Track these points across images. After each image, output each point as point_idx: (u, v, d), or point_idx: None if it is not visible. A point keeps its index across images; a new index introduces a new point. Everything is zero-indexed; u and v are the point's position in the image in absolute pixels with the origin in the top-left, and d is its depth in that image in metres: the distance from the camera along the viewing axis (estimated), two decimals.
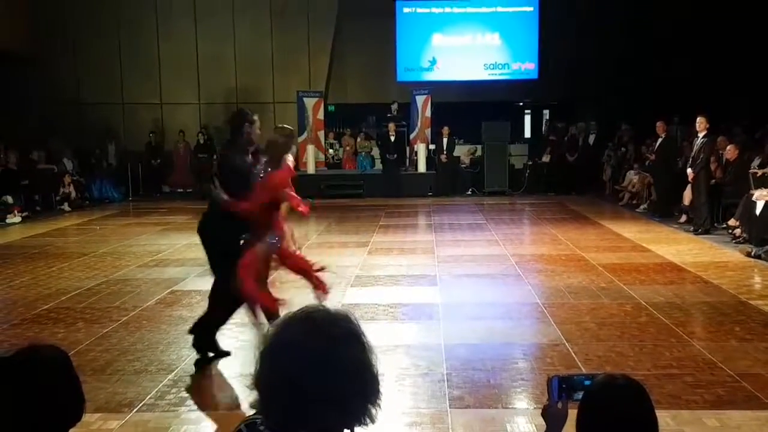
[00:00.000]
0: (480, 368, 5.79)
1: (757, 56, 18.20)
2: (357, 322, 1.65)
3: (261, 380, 1.60)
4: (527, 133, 23.35)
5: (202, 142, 20.17)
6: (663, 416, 4.55)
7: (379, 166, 20.36)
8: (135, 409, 5.06)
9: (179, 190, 20.65)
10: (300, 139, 20.24)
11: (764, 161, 12.71)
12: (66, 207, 17.25)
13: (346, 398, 1.57)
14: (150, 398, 5.26)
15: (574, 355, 6.02)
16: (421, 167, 19.76)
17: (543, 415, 2.14)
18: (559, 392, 2.13)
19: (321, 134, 20.73)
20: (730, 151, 13.00)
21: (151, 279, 9.31)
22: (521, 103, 23.82)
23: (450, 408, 4.98)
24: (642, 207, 15.52)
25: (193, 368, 5.92)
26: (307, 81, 21.58)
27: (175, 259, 10.64)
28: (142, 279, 9.33)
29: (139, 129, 21.32)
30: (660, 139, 14.41)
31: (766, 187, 11.34)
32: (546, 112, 23.30)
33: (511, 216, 15.62)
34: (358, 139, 21.34)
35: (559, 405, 2.10)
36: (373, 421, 1.61)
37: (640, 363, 5.81)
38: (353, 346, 1.60)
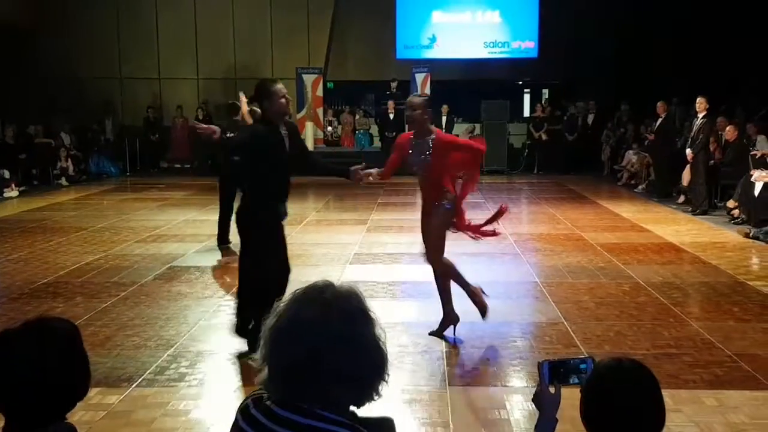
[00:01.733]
0: (479, 347, 5.80)
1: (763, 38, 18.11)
2: (364, 297, 1.65)
3: (274, 358, 1.58)
4: (526, 112, 23.29)
5: (201, 117, 20.03)
6: None
7: (377, 143, 20.30)
8: (134, 384, 5.07)
9: (177, 166, 20.62)
10: (298, 116, 20.18)
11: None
12: (63, 182, 17.21)
13: (365, 376, 1.56)
14: (149, 373, 5.27)
15: (572, 334, 6.03)
16: None
17: (534, 400, 2.12)
18: (551, 376, 2.11)
19: (320, 111, 20.67)
20: (729, 132, 12.98)
21: (149, 254, 9.30)
22: (520, 82, 23.73)
23: (449, 386, 4.99)
24: (640, 187, 15.52)
25: (193, 343, 5.92)
26: (307, 57, 21.47)
27: (174, 235, 10.63)
28: (140, 254, 9.32)
29: (137, 104, 21.26)
30: (660, 119, 14.37)
31: (765, 168, 11.34)
32: (545, 91, 23.23)
33: (509, 195, 15.60)
34: (357, 117, 21.27)
35: (552, 389, 2.09)
36: (380, 396, 1.61)
37: (638, 342, 5.82)
38: (368, 323, 1.60)
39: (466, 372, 5.28)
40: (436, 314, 6.61)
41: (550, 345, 5.81)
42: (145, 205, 13.73)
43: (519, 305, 7.01)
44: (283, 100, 5.49)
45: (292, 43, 21.41)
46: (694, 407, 4.58)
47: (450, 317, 6.06)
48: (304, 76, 20.30)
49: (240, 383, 5.07)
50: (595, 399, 1.82)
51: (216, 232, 9.38)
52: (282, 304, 1.62)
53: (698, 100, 12.20)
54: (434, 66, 20.79)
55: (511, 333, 6.20)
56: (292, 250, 9.45)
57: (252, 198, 5.65)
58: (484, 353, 5.65)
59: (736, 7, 18.23)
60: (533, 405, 2.14)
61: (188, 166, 20.44)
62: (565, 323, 6.35)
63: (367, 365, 1.57)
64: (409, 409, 4.67)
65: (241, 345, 5.66)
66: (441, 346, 5.79)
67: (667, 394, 4.68)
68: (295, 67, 20.46)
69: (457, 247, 9.60)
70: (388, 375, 1.63)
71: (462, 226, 6.12)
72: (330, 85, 22.27)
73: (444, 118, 19.58)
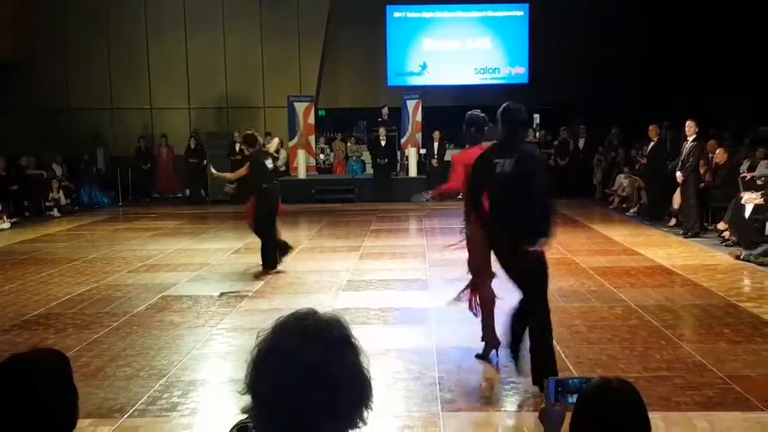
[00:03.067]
0: (472, 371, 5.80)
1: (748, 61, 18.29)
2: (347, 325, 1.64)
3: (254, 388, 1.57)
4: None
5: (193, 146, 20.12)
6: (653, 418, 4.54)
7: (369, 170, 20.38)
8: (126, 415, 5.04)
9: (170, 196, 20.66)
10: (290, 144, 20.25)
11: (753, 165, 12.78)
12: (55, 213, 17.19)
13: (342, 405, 1.55)
14: (141, 404, 5.25)
15: (565, 358, 6.04)
16: (412, 172, 19.76)
17: (540, 417, 2.14)
18: (555, 394, 2.13)
19: (312, 139, 20.72)
20: (719, 155, 13.06)
21: (141, 284, 9.29)
22: None
23: (442, 411, 4.98)
24: (632, 210, 15.57)
25: (185, 373, 5.90)
26: (298, 85, 21.58)
27: (166, 265, 10.61)
28: (132, 284, 9.30)
29: (128, 134, 21.29)
30: (652, 143, 14.45)
31: (754, 190, 11.41)
32: (536, 116, 23.36)
33: None
34: (349, 144, 21.35)
35: (557, 407, 2.11)
36: (365, 424, 1.60)
37: (630, 365, 5.83)
38: (348, 352, 1.58)
39: (459, 397, 5.26)
40: (429, 340, 6.62)
41: None
42: (137, 235, 13.72)
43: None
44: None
45: (283, 71, 21.53)
46: (685, 429, 4.58)
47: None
48: (296, 104, 20.37)
49: (232, 413, 5.06)
50: (584, 417, 1.84)
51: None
52: (264, 333, 1.61)
53: (688, 123, 12.28)
54: (425, 93, 20.91)
55: (504, 358, 6.19)
56: (284, 278, 9.48)
57: None
58: (476, 378, 5.64)
59: (726, 31, 18.43)
60: (531, 423, 2.16)
61: (180, 195, 20.47)
62: (558, 347, 6.34)
63: (348, 395, 1.56)
64: None
65: (234, 373, 5.65)
66: (434, 371, 5.78)
67: (658, 417, 4.70)
68: (287, 95, 20.56)
69: (450, 273, 9.66)
70: (372, 402, 1.62)
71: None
72: (321, 112, 22.37)
73: (436, 144, 19.68)
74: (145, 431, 4.78)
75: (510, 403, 5.26)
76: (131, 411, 5.10)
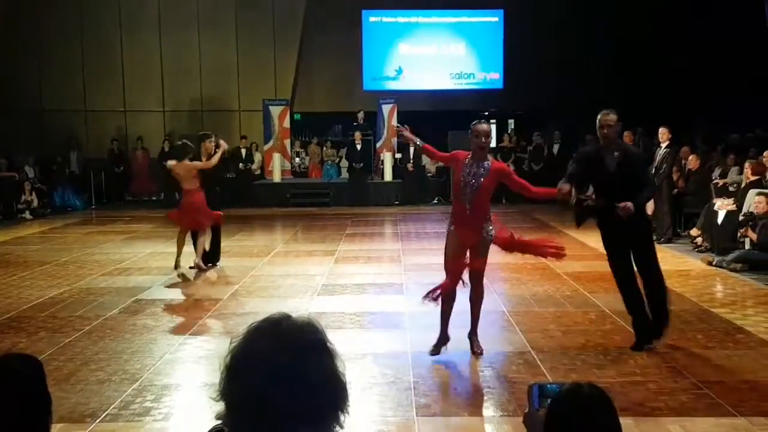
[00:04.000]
0: (447, 376, 5.81)
1: (722, 69, 18.53)
2: (322, 329, 1.62)
3: (226, 394, 1.55)
4: (493, 143, 23.44)
5: (167, 149, 19.97)
6: (627, 423, 4.59)
7: (345, 174, 20.37)
8: (98, 420, 4.99)
9: (145, 198, 20.49)
10: (266, 148, 20.19)
11: (724, 171, 12.93)
12: (27, 215, 16.97)
13: (318, 410, 1.53)
14: (114, 408, 5.19)
15: (539, 363, 6.06)
16: (388, 176, 19.78)
17: (524, 422, 2.13)
18: (539, 399, 2.13)
19: (287, 143, 20.68)
20: (692, 162, 13.19)
21: (114, 288, 9.20)
22: (487, 113, 23.96)
23: (417, 416, 4.98)
24: None
25: (158, 377, 5.85)
26: (273, 89, 21.52)
27: (139, 268, 10.53)
28: (105, 288, 9.21)
29: (102, 137, 21.11)
30: None
31: (727, 197, 11.53)
32: (511, 122, 23.49)
33: None
34: (325, 148, 21.33)
35: (540, 412, 2.11)
36: (342, 428, 1.59)
37: (604, 370, 5.86)
38: (322, 356, 1.56)
39: (434, 402, 5.26)
40: (404, 344, 6.62)
41: (517, 374, 5.83)
42: (110, 238, 13.59)
43: (486, 335, 6.98)
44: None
45: (258, 74, 21.47)
46: None
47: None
48: (271, 108, 20.32)
49: (206, 417, 5.01)
50: (555, 424, 1.84)
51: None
52: (238, 338, 1.59)
53: (661, 130, 12.38)
54: (401, 97, 20.93)
55: (478, 362, 6.21)
56: (259, 282, 9.45)
57: None
58: (451, 383, 5.64)
59: (695, 39, 18.66)
60: (509, 428, 2.15)
61: (155, 198, 20.32)
62: (532, 352, 6.38)
63: (324, 399, 1.55)
64: None
65: (207, 377, 5.61)
66: (410, 376, 5.78)
67: (632, 422, 4.72)
68: (262, 98, 20.50)
69: (425, 278, 9.67)
70: (348, 407, 1.60)
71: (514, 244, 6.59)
72: (297, 116, 22.32)
73: (411, 149, 19.69)
74: None
75: (485, 408, 5.27)
76: (103, 416, 5.05)
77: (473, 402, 5.33)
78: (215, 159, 10.22)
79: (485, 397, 5.42)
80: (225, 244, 11.30)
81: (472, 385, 5.63)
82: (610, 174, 6.34)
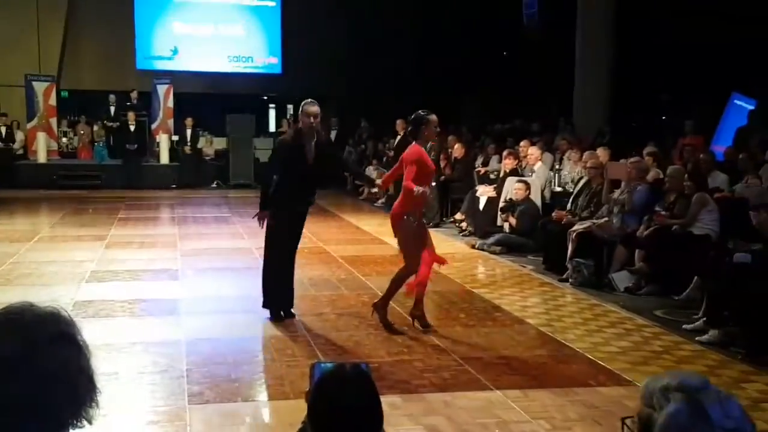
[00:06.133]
0: (221, 362, 5.79)
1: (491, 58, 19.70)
2: (70, 320, 1.56)
3: None
4: (272, 127, 23.50)
5: None
6: (394, 401, 4.84)
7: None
8: None
9: None
10: (29, 126, 18.93)
11: (486, 160, 13.80)
12: None
13: (54, 405, 1.48)
14: None
15: (314, 346, 6.20)
16: (164, 159, 19.22)
17: (305, 400, 2.19)
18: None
19: (53, 121, 19.51)
20: (457, 150, 13.95)
21: None
22: (266, 97, 23.92)
23: (188, 405, 4.93)
24: (380, 201, 16.20)
25: None
26: (37, 64, 20.16)
27: None
28: None
29: None
30: (399, 137, 15.13)
31: (488, 184, 12.33)
32: (290, 107, 23.59)
33: (256, 209, 15.61)
34: (95, 128, 20.32)
35: None
36: (90, 423, 1.55)
37: (375, 351, 6.11)
38: (61, 347, 1.51)
39: (208, 389, 5.23)
40: (178, 332, 6.52)
41: (292, 357, 5.93)
42: None
43: (262, 319, 7.04)
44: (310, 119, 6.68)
45: (18, 47, 19.92)
46: (422, 408, 4.88)
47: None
48: (35, 84, 19.06)
49: None
50: (317, 404, 1.93)
51: None
52: None
53: (397, 122, 12.95)
54: (177, 78, 20.40)
55: (254, 347, 6.27)
56: (18, 269, 8.89)
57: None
58: (225, 370, 5.64)
59: (463, 27, 19.70)
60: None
61: None
62: (307, 335, 6.51)
63: (60, 393, 1.50)
64: (146, 429, 4.56)
65: None
66: (182, 364, 5.70)
67: (399, 400, 4.96)
68: (24, 73, 19.14)
69: (201, 263, 9.55)
70: (96, 400, 1.56)
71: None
72: (64, 94, 21.08)
73: (189, 132, 19.26)
74: None
75: (259, 393, 5.33)
76: None
77: (248, 387, 5.36)
78: None
79: (259, 382, 5.47)
80: None
81: (247, 371, 5.65)
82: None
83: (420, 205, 6.86)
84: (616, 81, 15.21)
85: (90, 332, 1.62)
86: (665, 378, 1.54)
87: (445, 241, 11.62)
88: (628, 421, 1.60)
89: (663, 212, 8.24)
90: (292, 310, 7.10)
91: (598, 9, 15.11)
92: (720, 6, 13.97)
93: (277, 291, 7.03)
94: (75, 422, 1.52)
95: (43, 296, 6.91)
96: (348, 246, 10.92)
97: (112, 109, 19.46)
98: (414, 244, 6.70)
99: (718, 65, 14.01)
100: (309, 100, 6.88)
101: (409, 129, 6.94)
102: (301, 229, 7.30)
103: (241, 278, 8.88)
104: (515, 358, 6.00)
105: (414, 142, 6.74)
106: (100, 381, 1.58)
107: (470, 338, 6.54)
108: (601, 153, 10.51)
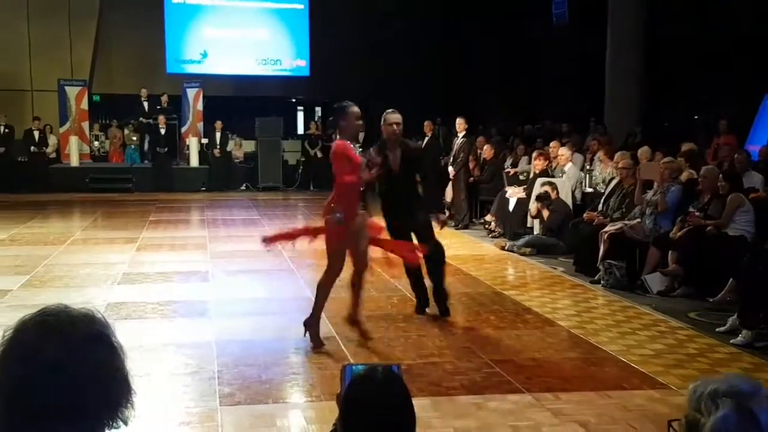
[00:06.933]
0: (252, 364, 5.79)
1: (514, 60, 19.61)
2: (104, 322, 1.55)
3: None
4: (300, 130, 23.58)
5: None
6: (424, 404, 4.81)
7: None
8: None
9: None
10: (61, 130, 19.17)
11: (515, 161, 13.73)
12: None
13: (88, 405, 1.48)
14: None
15: (344, 348, 6.19)
16: (194, 162, 19.37)
17: (336, 402, 2.18)
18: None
19: (85, 125, 19.73)
20: (486, 151, 13.88)
21: None
22: (294, 100, 24.00)
23: (220, 405, 4.94)
24: None
25: None
26: (70, 69, 20.41)
27: None
28: None
29: None
30: (427, 138, 15.08)
31: (518, 185, 12.25)
32: (318, 109, 23.65)
33: (284, 211, 15.71)
34: (126, 131, 20.52)
35: None
36: (126, 424, 1.55)
37: (406, 353, 6.08)
38: (96, 349, 1.51)
39: (239, 390, 5.24)
40: (208, 333, 6.54)
41: (323, 360, 5.93)
42: None
43: (293, 321, 7.01)
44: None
45: (53, 53, 20.22)
46: (453, 412, 4.85)
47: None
48: (67, 89, 19.28)
49: None
50: (350, 405, 1.91)
51: None
52: (7, 330, 1.51)
53: (458, 120, 12.96)
54: (206, 81, 20.55)
55: (284, 349, 6.26)
56: (52, 271, 8.98)
57: None
58: (256, 371, 5.65)
59: (492, 30, 19.63)
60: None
61: None
62: (337, 337, 6.50)
63: (95, 394, 1.50)
64: (178, 430, 4.58)
65: None
66: (214, 365, 5.72)
67: (429, 403, 4.94)
68: (57, 78, 19.38)
69: (231, 265, 9.59)
70: (131, 402, 1.56)
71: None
72: (96, 98, 21.31)
73: (218, 135, 19.38)
74: None
75: (290, 395, 5.32)
76: None
77: (278, 389, 5.36)
78: None
79: (290, 384, 5.47)
80: (16, 231, 10.64)
81: (277, 372, 5.66)
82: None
83: (353, 205, 6.30)
84: (647, 80, 15.07)
85: (123, 333, 1.62)
86: (714, 382, 1.51)
87: (474, 243, 11.59)
88: (675, 425, 1.56)
89: (697, 213, 8.13)
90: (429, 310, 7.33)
91: (629, 8, 14.98)
92: (754, 4, 13.79)
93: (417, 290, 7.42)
94: (111, 423, 1.52)
95: (76, 298, 6.97)
96: (375, 247, 10.86)
97: (146, 104, 19.60)
98: (337, 245, 6.29)
99: (752, 64, 13.83)
100: (390, 109, 7.05)
101: (329, 120, 6.78)
102: (411, 239, 7.22)
103: (271, 280, 8.91)
104: (546, 361, 5.95)
105: (337, 139, 6.22)
106: (135, 382, 1.58)
107: (501, 340, 6.49)
108: (641, 153, 10.37)
